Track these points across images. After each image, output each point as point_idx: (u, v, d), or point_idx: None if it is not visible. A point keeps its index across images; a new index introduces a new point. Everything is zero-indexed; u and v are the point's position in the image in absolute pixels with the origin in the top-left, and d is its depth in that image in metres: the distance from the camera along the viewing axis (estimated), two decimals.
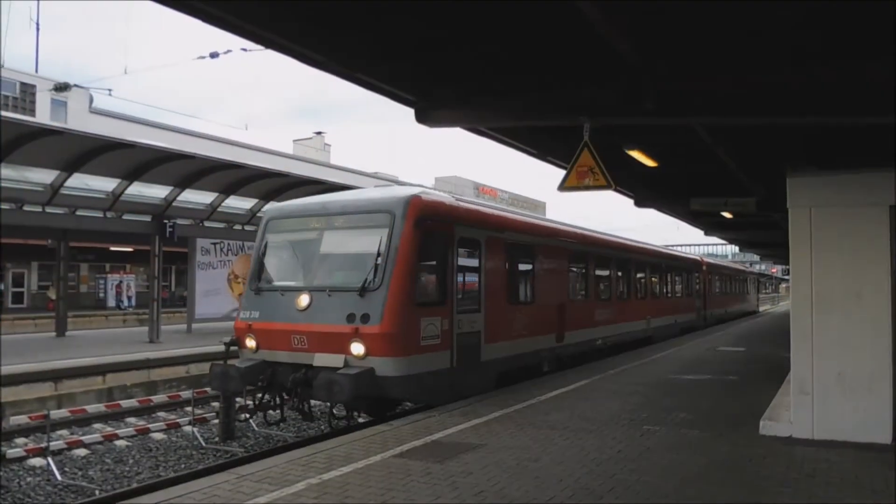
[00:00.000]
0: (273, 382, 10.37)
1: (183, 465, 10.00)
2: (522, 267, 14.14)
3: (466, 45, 7.23)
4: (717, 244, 61.82)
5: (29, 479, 9.38)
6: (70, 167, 17.02)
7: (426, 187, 15.34)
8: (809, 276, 8.56)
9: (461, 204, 12.04)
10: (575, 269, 16.84)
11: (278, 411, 10.92)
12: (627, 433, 8.69)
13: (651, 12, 6.03)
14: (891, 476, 6.80)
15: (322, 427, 11.73)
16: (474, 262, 11.86)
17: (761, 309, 57.49)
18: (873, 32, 5.96)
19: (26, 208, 17.76)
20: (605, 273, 18.96)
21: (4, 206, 17.11)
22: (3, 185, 16.44)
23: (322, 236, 10.99)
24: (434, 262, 10.97)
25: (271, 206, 12.75)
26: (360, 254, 10.47)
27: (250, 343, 10.73)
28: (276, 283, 11.17)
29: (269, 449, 10.25)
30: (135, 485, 9.06)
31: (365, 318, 9.68)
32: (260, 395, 10.66)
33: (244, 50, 21.24)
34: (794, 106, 7.33)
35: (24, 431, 11.49)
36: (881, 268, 8.25)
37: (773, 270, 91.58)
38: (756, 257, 72.27)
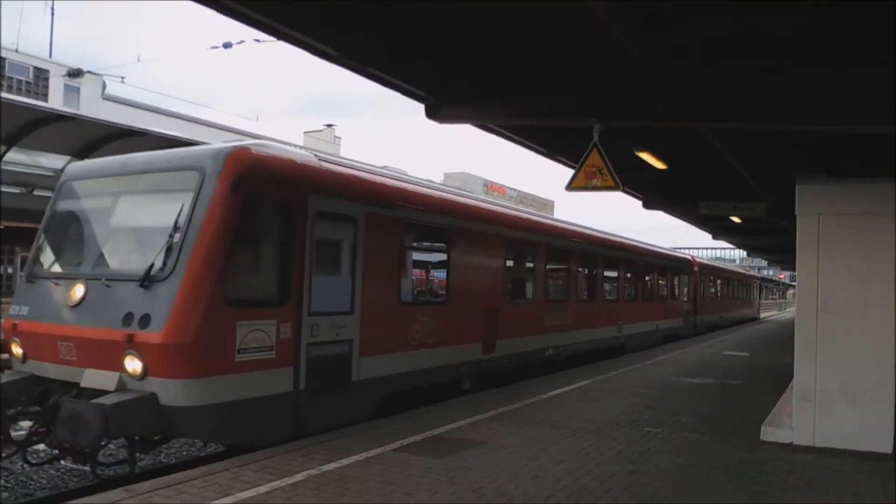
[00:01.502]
0: (44, 406, 7.56)
1: (185, 452, 10.05)
2: (429, 257, 11.33)
3: (478, 43, 7.25)
4: (724, 248, 61.56)
5: (33, 462, 9.45)
6: (81, 153, 17.10)
7: (277, 141, 11.00)
8: (816, 283, 8.54)
9: (324, 165, 8.85)
10: (515, 263, 13.81)
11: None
12: (628, 434, 8.70)
13: (659, 15, 6.04)
14: (890, 486, 6.80)
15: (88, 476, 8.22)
16: (346, 247, 8.93)
17: (763, 316, 53.90)
18: (875, 39, 5.95)
19: (37, 192, 17.89)
20: (560, 269, 16.02)
21: (16, 189, 17.25)
22: (11, 169, 16.56)
23: (116, 204, 8.25)
24: (268, 244, 8.07)
25: (70, 165, 9.71)
26: (154, 228, 7.63)
27: (16, 350, 8.07)
28: (53, 268, 8.41)
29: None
30: (137, 470, 9.12)
31: (145, 321, 6.88)
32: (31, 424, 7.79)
33: (257, 41, 21.26)
34: (803, 112, 7.32)
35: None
36: (888, 278, 8.22)
37: (781, 276, 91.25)
38: (764, 262, 72.05)
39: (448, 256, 11.15)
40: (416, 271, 11.13)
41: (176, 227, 7.26)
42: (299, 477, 6.42)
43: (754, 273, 56.55)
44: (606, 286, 18.93)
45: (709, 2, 5.83)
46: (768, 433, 8.68)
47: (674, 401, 11.32)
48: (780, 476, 7.06)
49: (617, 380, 13.60)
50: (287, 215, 8.04)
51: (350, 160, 11.42)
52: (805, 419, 8.46)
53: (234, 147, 7.78)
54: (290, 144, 11.17)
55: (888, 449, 8.04)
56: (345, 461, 6.99)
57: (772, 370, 15.60)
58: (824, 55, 6.64)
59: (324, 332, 8.35)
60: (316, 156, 9.03)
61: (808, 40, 6.39)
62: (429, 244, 11.29)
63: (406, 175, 13.80)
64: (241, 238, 7.49)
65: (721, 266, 40.38)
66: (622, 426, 9.19)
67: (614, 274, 19.45)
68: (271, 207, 7.97)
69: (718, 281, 35.31)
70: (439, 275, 11.42)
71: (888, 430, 8.11)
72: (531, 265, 14.47)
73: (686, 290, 27.55)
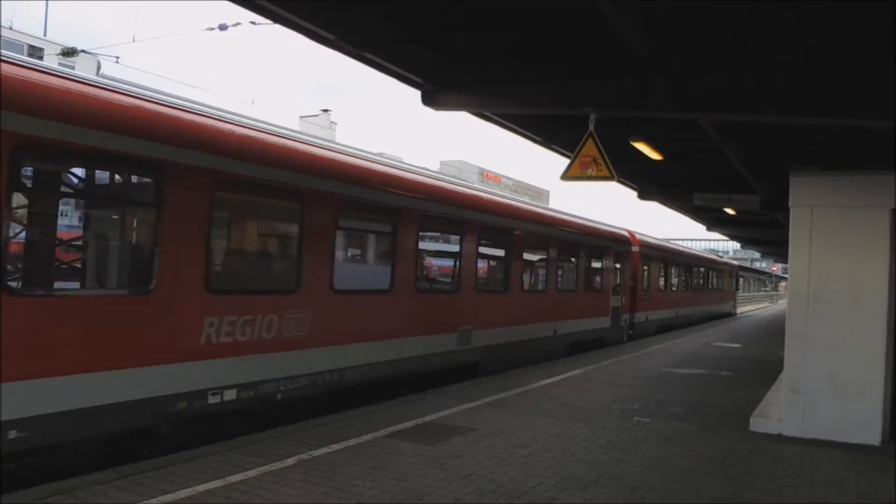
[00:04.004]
0: None
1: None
2: None
3: (478, 31, 7.23)
4: (719, 240, 61.65)
5: None
6: None
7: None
8: (807, 275, 8.59)
9: None
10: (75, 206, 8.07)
11: None
12: (617, 424, 8.74)
13: (662, 9, 6.04)
14: (878, 477, 6.86)
15: None
16: None
17: (740, 311, 46.81)
18: (875, 37, 5.97)
19: None
20: (281, 232, 9.14)
21: None
22: None
23: None
24: None
25: None
26: None
27: None
28: None
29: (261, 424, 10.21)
30: None
31: None
32: None
33: (253, 23, 21.02)
34: (800, 105, 7.33)
35: None
36: (880, 271, 8.26)
37: (774, 269, 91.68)
38: (757, 254, 72.39)
39: None
40: None
41: None
42: (290, 461, 6.43)
43: (726, 259, 46.72)
44: (433, 267, 12.50)
45: (709, 1, 5.85)
46: (757, 424, 8.74)
47: (664, 391, 11.37)
48: (767, 466, 7.12)
49: (608, 370, 13.64)
50: None
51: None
52: (794, 411, 8.53)
53: None
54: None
55: (876, 441, 8.11)
56: (335, 446, 7.01)
57: (762, 361, 15.68)
58: (826, 52, 6.64)
59: None
60: None
61: (810, 37, 6.39)
62: None
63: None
64: None
65: (678, 249, 31.39)
66: (612, 415, 9.23)
67: (454, 248, 12.16)
68: None
69: (673, 268, 27.75)
70: None
71: (876, 423, 8.18)
72: (158, 211, 6.93)
73: (619, 277, 20.32)
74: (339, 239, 9.37)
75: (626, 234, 21.73)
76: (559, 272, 16.40)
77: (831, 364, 8.36)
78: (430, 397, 9.79)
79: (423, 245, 11.29)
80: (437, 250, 12.57)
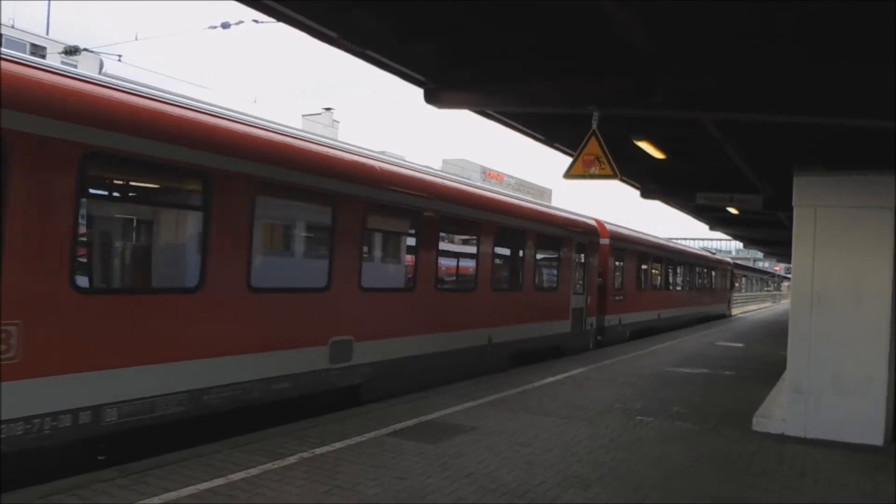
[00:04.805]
0: None
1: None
2: None
3: (479, 29, 7.22)
4: (721, 239, 61.61)
5: None
6: None
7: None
8: (811, 275, 8.58)
9: None
10: None
11: None
12: (620, 423, 8.74)
13: (663, 9, 6.04)
14: (880, 477, 6.86)
15: None
16: None
17: (740, 312, 44.80)
18: (875, 37, 5.97)
19: None
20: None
21: None
22: None
23: None
24: None
25: None
26: None
27: None
28: None
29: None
30: None
31: None
32: None
33: (256, 21, 21.01)
34: (800, 105, 7.32)
35: None
36: (883, 271, 8.26)
37: (777, 268, 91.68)
38: (759, 254, 72.39)
39: None
40: None
41: None
42: (292, 459, 6.43)
43: (719, 257, 42.55)
44: (288, 257, 9.40)
45: (710, 1, 5.84)
46: (760, 424, 8.73)
47: (666, 390, 11.36)
48: (769, 466, 7.11)
49: (610, 369, 13.64)
50: None
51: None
52: (796, 410, 8.52)
53: None
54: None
55: (879, 441, 8.10)
56: (338, 445, 7.01)
57: (765, 361, 15.66)
58: (826, 52, 6.63)
59: None
60: None
61: (810, 37, 6.38)
62: None
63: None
64: None
65: (660, 243, 27.19)
66: (614, 414, 9.23)
67: (322, 233, 9.16)
68: None
69: (655, 264, 24.62)
70: None
71: (879, 423, 8.17)
72: None
73: (583, 274, 17.22)
74: (93, 210, 6.40)
75: (592, 223, 18.38)
76: (496, 266, 13.16)
77: (834, 364, 8.35)
78: (433, 396, 9.79)
79: (265, 225, 8.30)
80: (294, 234, 9.54)
